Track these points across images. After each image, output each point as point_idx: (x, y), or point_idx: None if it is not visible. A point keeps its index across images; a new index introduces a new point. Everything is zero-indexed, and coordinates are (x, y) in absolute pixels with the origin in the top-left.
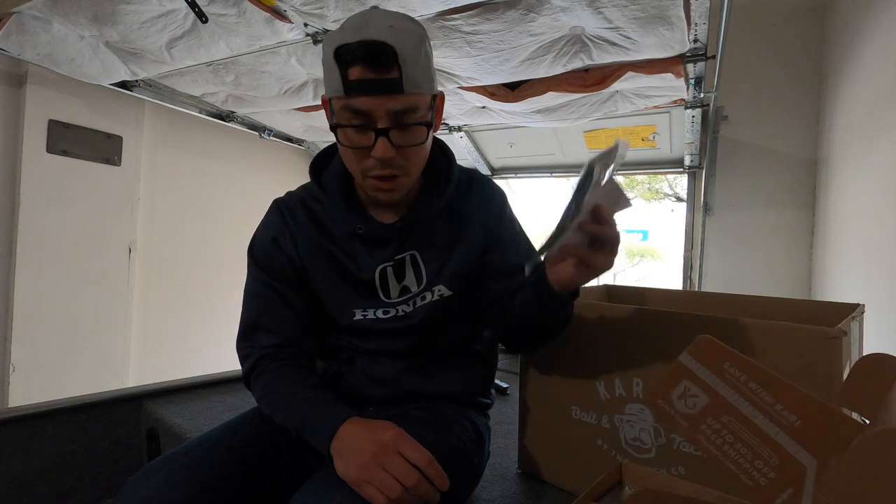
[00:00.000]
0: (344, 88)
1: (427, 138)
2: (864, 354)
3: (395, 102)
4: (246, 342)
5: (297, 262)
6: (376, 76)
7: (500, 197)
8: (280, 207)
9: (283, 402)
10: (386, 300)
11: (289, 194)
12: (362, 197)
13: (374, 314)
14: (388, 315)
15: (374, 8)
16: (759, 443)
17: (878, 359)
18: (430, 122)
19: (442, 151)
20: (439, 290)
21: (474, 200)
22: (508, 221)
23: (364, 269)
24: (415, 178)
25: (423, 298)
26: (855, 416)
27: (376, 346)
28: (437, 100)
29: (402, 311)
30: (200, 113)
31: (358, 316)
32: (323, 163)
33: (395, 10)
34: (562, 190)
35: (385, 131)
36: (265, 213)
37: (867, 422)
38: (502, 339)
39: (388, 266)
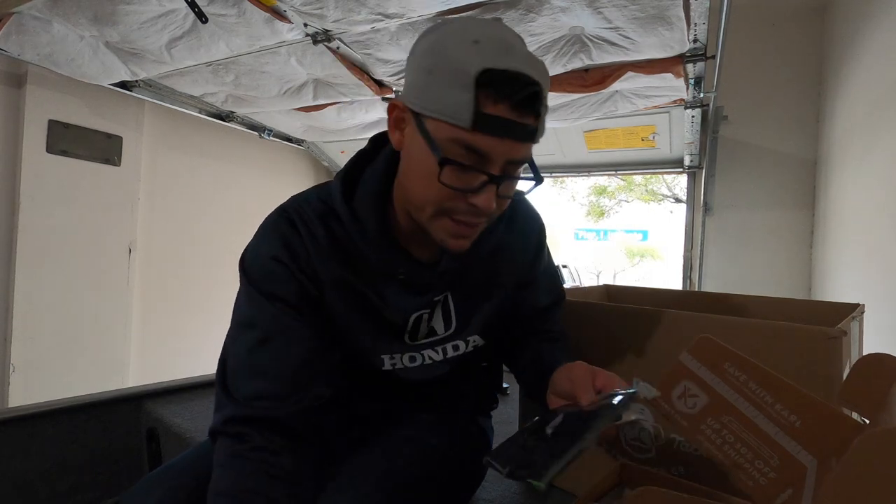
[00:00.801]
0: (473, 120)
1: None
2: (863, 354)
3: (520, 152)
4: (226, 387)
5: (312, 289)
6: (517, 119)
7: (540, 227)
8: (292, 219)
9: None
10: (410, 343)
11: (300, 204)
12: (399, 229)
13: (402, 361)
14: (416, 363)
15: (500, 21)
16: (760, 443)
17: (878, 358)
18: (538, 179)
19: None
20: (474, 341)
21: (516, 233)
22: (545, 256)
23: (395, 312)
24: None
25: (456, 349)
26: (855, 416)
27: (397, 392)
28: None
29: (430, 358)
30: (200, 113)
31: (387, 365)
32: (354, 179)
33: (395, 9)
34: (562, 191)
35: (499, 180)
36: (267, 222)
37: (867, 422)
38: (507, 362)
39: (425, 313)
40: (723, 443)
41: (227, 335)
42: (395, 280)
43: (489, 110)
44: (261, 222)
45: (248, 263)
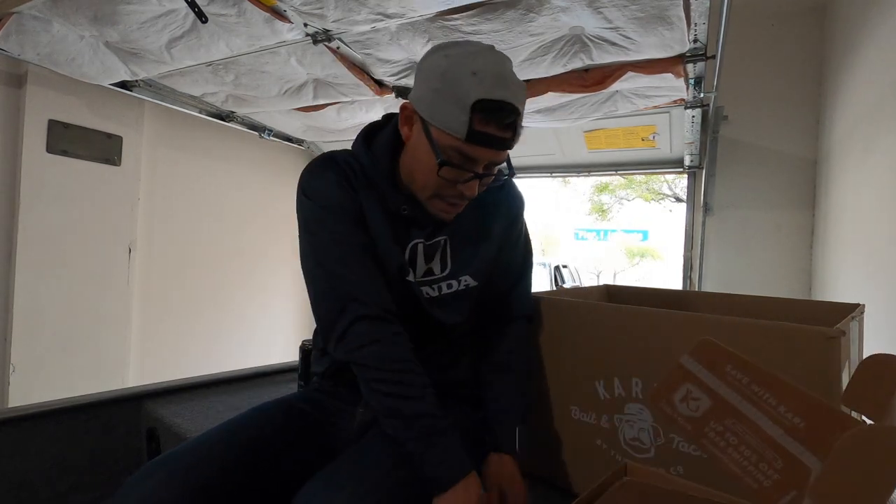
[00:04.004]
0: (467, 134)
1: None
2: (865, 354)
3: (500, 156)
4: (334, 317)
5: (362, 210)
6: (500, 134)
7: (521, 201)
8: (334, 158)
9: (403, 417)
10: (409, 279)
11: (333, 153)
12: (404, 176)
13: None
14: (421, 292)
15: (494, 51)
16: (763, 445)
17: (884, 360)
18: (511, 172)
19: None
20: (465, 281)
21: (503, 200)
22: (520, 224)
23: (401, 243)
24: None
25: (450, 287)
26: (863, 418)
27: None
28: None
29: (427, 293)
30: (200, 113)
31: (410, 277)
32: (373, 133)
33: (395, 9)
34: (565, 187)
35: (482, 176)
36: (313, 165)
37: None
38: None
39: (421, 244)
40: (726, 445)
41: (311, 274)
42: (400, 215)
43: (480, 128)
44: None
45: (312, 191)
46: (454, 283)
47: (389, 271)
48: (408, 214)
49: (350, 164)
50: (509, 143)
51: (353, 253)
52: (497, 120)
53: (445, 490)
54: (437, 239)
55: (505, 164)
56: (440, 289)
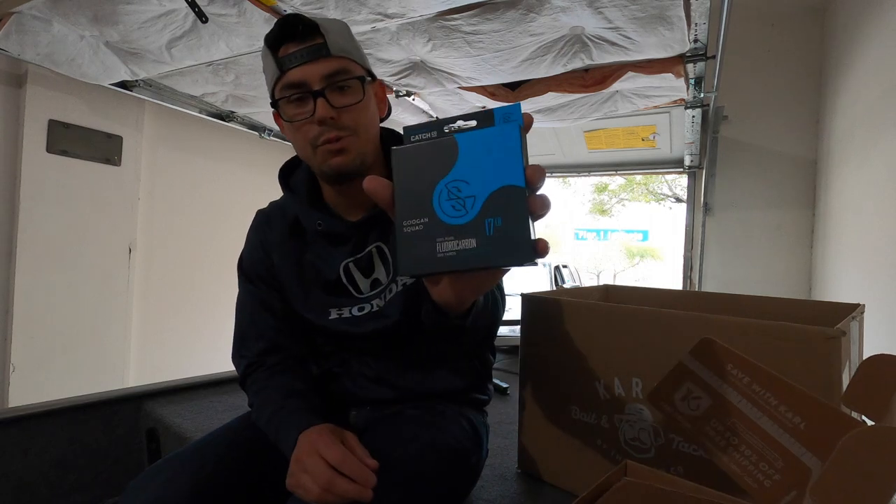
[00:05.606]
0: (277, 67)
1: (364, 95)
2: (865, 355)
3: (325, 66)
4: (236, 352)
5: (272, 268)
6: (302, 46)
7: None
8: (259, 217)
9: (263, 415)
10: (359, 296)
11: (270, 203)
12: (328, 196)
13: (350, 312)
14: (364, 312)
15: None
16: (764, 445)
17: (884, 360)
18: (363, 77)
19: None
20: (402, 280)
21: None
22: None
23: (332, 268)
24: (366, 142)
25: (391, 291)
26: (863, 418)
27: (365, 346)
28: (377, 86)
29: (377, 305)
30: (200, 113)
31: (333, 315)
32: (290, 170)
33: (395, 9)
34: (561, 190)
35: (321, 92)
36: (251, 225)
37: (873, 424)
38: None
39: (351, 262)
40: (727, 445)
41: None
42: (322, 235)
43: (282, 54)
44: None
45: (242, 259)
46: (393, 286)
47: (310, 309)
48: (323, 229)
49: (270, 219)
50: (321, 49)
51: (251, 310)
52: (289, 36)
53: (293, 448)
54: (367, 249)
55: (361, 70)
56: (385, 296)
